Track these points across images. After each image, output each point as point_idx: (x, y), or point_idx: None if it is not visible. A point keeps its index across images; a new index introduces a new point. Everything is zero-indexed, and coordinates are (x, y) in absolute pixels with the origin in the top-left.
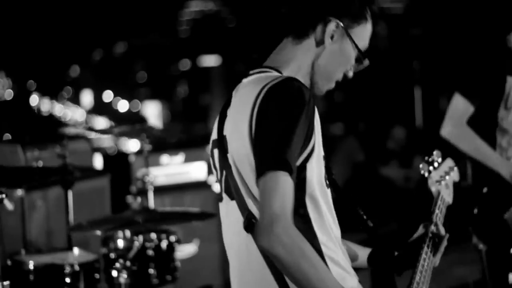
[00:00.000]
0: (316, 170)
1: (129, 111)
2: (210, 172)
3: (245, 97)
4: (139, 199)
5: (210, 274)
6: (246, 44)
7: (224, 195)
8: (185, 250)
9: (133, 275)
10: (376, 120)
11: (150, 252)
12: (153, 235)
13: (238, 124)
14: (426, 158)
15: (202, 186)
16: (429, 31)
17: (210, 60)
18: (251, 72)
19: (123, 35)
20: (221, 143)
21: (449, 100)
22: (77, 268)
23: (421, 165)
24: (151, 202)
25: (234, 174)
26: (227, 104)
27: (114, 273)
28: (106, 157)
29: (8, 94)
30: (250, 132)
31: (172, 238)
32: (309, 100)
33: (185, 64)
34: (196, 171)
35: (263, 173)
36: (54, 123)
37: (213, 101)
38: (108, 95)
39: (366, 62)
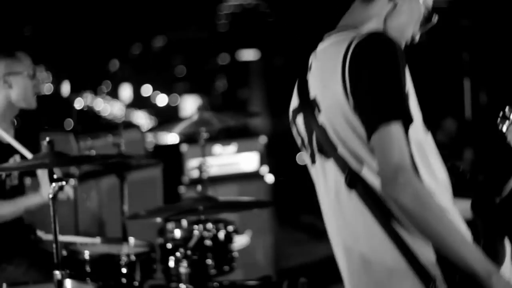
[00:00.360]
0: (416, 114)
1: (168, 105)
2: (262, 162)
3: (330, 57)
4: (199, 187)
5: (263, 265)
6: (285, 38)
7: (318, 156)
8: (238, 241)
9: (193, 265)
10: (424, 112)
11: (208, 242)
12: (210, 225)
13: (328, 84)
14: (502, 113)
15: (254, 176)
16: (478, 22)
17: (249, 54)
18: (326, 35)
19: (162, 30)
20: (309, 106)
21: (497, 92)
22: (133, 258)
23: (498, 120)
24: (208, 191)
25: (329, 133)
26: (305, 70)
27: (171, 263)
28: (157, 147)
29: (48, 89)
30: (345, 90)
31: (230, 228)
32: (399, 47)
33: (224, 58)
34: (248, 161)
35: (376, 127)
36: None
37: (251, 95)
38: (147, 89)
39: (435, 19)
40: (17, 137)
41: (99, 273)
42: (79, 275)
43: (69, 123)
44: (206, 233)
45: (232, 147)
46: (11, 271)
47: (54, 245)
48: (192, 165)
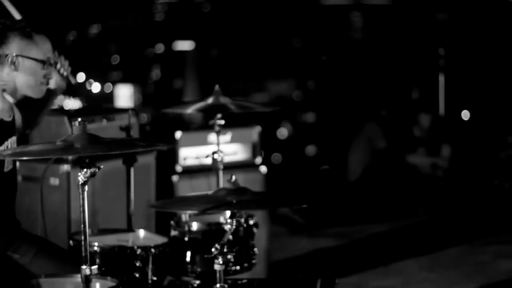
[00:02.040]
0: None
1: (101, 92)
2: (256, 152)
3: None
4: (233, 177)
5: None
6: (220, 29)
7: None
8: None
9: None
10: (398, 107)
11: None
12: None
13: None
14: None
15: (249, 166)
16: (455, 16)
17: (184, 44)
18: None
19: (98, 17)
20: None
21: (472, 88)
22: (146, 251)
23: None
24: (221, 181)
25: None
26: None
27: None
28: (148, 134)
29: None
30: None
31: (251, 222)
32: None
33: (158, 48)
34: (243, 151)
35: None
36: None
37: (186, 85)
38: (80, 77)
39: None
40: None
41: (110, 266)
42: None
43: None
44: (229, 227)
45: (227, 136)
46: (17, 259)
47: (82, 238)
48: (185, 153)
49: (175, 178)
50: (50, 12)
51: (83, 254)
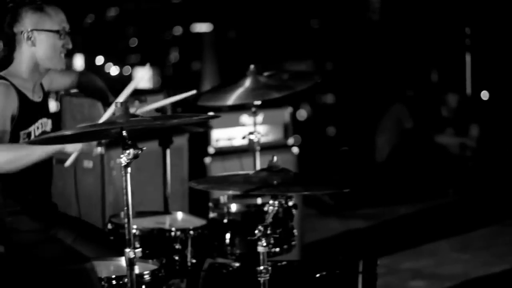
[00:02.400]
0: None
1: (120, 74)
2: (288, 133)
3: None
4: (275, 158)
5: None
6: (238, 11)
7: None
8: None
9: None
10: (425, 87)
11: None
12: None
13: None
14: None
15: (281, 147)
16: None
17: (202, 26)
18: None
19: (115, 0)
20: None
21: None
22: (185, 233)
23: None
24: (258, 162)
25: None
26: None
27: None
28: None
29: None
30: None
31: (290, 203)
32: None
33: (176, 30)
34: (275, 132)
35: None
36: None
37: (204, 67)
38: (99, 60)
39: None
40: (44, 101)
41: (150, 248)
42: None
43: None
44: (271, 208)
45: (259, 118)
46: None
47: (126, 221)
48: (217, 135)
49: (207, 160)
50: None
51: (127, 237)
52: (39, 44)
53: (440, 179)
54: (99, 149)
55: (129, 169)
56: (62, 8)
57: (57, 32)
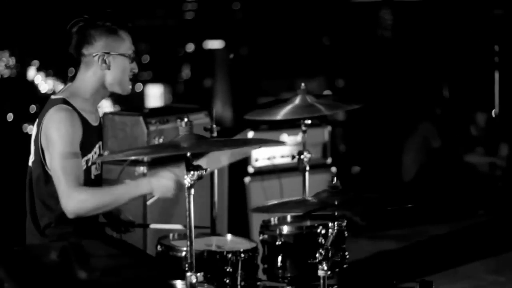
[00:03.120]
0: None
1: (132, 91)
2: (327, 152)
3: None
4: (335, 179)
5: None
6: (250, 28)
7: None
8: None
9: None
10: (453, 105)
11: (320, 239)
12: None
13: None
14: None
15: (321, 167)
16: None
17: (214, 43)
18: None
19: (128, 17)
20: None
21: None
22: (236, 255)
23: None
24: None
25: None
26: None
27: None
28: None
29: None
30: None
31: (341, 225)
32: None
33: (189, 47)
34: (314, 151)
35: None
36: None
37: (216, 84)
38: None
39: None
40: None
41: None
42: (176, 273)
43: (33, 108)
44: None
45: (298, 137)
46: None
47: (188, 243)
48: (256, 154)
49: (247, 179)
50: (79, 11)
51: (189, 261)
52: (112, 67)
53: (469, 199)
54: (141, 169)
55: (192, 191)
56: (73, 24)
57: (129, 56)
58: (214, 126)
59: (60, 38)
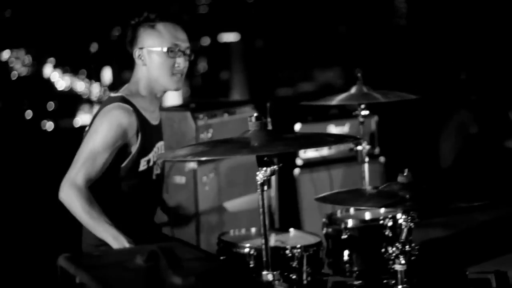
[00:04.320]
0: None
1: None
2: (375, 143)
3: None
4: (406, 171)
5: None
6: (265, 20)
7: None
8: None
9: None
10: (489, 92)
11: (387, 232)
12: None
13: None
14: None
15: (369, 157)
16: None
17: (230, 36)
18: None
19: (142, 12)
20: None
21: None
22: (301, 251)
23: None
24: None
25: None
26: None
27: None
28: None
29: (28, 71)
30: None
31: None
32: None
33: (204, 41)
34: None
35: None
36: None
37: (232, 76)
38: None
39: None
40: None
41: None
42: (240, 269)
43: (51, 105)
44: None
45: (345, 127)
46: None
47: (263, 242)
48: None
49: (296, 171)
50: (95, 8)
51: (264, 259)
52: (149, 63)
53: (510, 185)
54: (192, 165)
55: (265, 187)
56: (88, 20)
57: (168, 50)
58: (269, 120)
59: (75, 35)
